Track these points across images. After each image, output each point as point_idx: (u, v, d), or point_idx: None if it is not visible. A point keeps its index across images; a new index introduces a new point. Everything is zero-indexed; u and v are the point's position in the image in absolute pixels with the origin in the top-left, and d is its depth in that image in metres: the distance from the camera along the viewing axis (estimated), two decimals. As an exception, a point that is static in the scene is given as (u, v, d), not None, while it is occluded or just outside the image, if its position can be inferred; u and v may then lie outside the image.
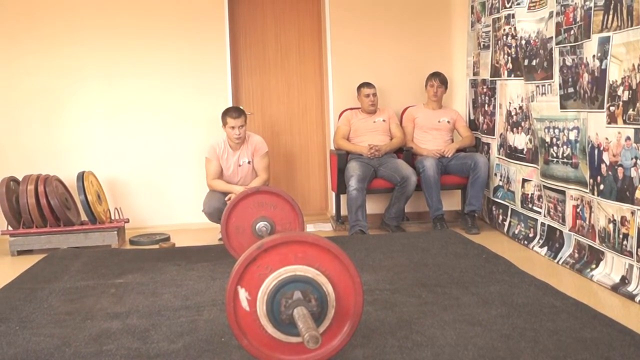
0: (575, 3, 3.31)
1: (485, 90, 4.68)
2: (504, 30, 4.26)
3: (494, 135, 4.58)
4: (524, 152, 4.11)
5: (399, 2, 5.13)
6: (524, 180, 4.13)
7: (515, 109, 4.20)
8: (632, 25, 2.81)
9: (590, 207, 3.29)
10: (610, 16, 2.98)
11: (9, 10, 4.85)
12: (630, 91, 2.84)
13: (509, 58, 4.22)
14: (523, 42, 3.92)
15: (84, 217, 4.57)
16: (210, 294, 3.07)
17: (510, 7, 4.13)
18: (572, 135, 3.44)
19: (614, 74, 2.96)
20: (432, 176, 4.49)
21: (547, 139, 3.71)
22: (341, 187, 4.66)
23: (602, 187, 3.12)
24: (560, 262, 3.58)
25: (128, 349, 2.36)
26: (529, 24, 3.85)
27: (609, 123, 3.02)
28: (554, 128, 3.63)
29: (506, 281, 3.09)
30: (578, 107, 3.36)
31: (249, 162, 4.45)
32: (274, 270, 2.03)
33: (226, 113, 4.37)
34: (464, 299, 2.83)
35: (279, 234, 2.13)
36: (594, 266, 3.26)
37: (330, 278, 2.06)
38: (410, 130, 4.89)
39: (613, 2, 2.95)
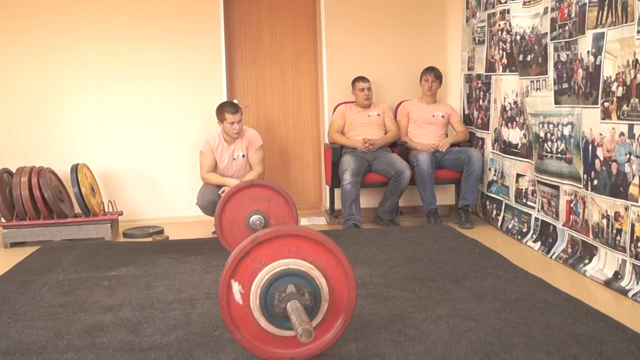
0: (571, -2, 3.31)
1: (480, 85, 4.68)
2: (499, 25, 4.26)
3: (488, 130, 4.59)
4: (518, 147, 4.12)
5: (395, -4, 5.13)
6: (518, 175, 4.14)
7: (509, 104, 4.20)
8: (626, 22, 2.81)
9: (584, 203, 3.30)
10: (605, 12, 2.98)
11: (3, 6, 4.82)
12: (625, 87, 2.85)
13: (504, 53, 4.22)
14: (518, 37, 3.92)
15: (77, 210, 4.55)
16: (203, 287, 3.06)
17: (506, 2, 4.13)
18: (566, 131, 3.45)
19: (608, 70, 2.97)
20: (426, 170, 4.50)
21: (542, 134, 3.71)
22: (335, 181, 4.66)
23: (595, 182, 3.13)
24: (553, 257, 3.59)
25: (121, 341, 2.35)
26: (524, 19, 3.85)
27: (603, 119, 3.03)
28: (548, 123, 3.63)
29: (499, 276, 3.10)
30: (572, 103, 3.37)
31: (243, 156, 4.45)
32: (268, 263, 2.03)
33: (223, 109, 4.34)
34: (457, 294, 2.84)
35: (272, 227, 2.12)
36: (587, 261, 3.27)
37: (323, 272, 2.06)
38: (404, 124, 4.89)
39: (608, -3, 2.95)
